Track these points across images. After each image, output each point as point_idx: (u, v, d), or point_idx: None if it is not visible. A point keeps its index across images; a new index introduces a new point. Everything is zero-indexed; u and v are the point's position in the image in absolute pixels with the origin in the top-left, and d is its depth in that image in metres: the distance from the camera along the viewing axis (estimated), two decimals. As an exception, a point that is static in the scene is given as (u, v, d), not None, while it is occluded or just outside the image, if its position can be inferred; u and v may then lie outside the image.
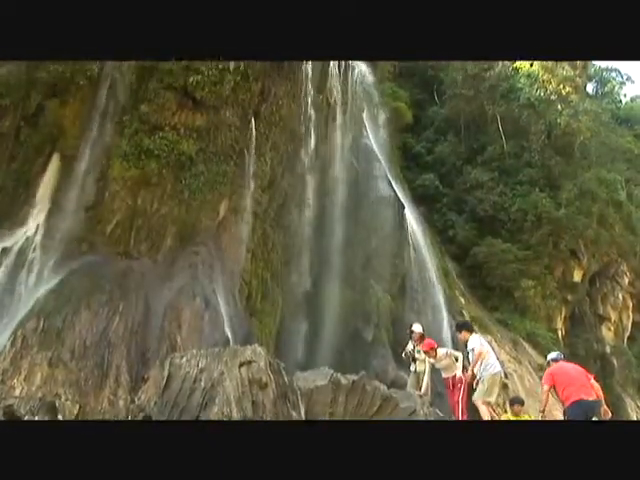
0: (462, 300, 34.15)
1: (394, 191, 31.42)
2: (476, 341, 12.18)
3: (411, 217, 32.07)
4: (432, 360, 13.87)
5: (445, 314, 30.43)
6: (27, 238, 21.11)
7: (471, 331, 12.64)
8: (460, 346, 14.29)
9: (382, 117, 34.78)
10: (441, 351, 14.08)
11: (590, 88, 55.90)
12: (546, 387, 11.17)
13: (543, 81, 42.99)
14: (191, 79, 22.26)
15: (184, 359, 11.97)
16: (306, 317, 26.15)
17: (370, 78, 32.72)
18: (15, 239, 20.97)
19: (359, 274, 28.74)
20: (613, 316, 42.11)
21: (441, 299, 31.19)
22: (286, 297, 25.77)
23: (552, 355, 12.35)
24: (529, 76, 43.40)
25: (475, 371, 11.99)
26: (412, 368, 14.91)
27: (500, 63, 45.24)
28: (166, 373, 11.79)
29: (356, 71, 30.63)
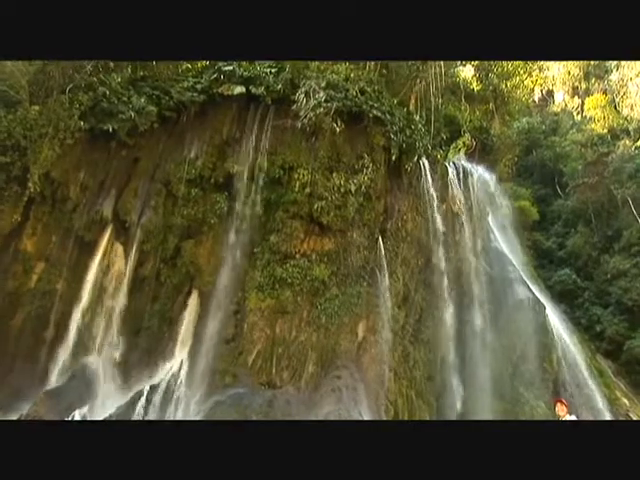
0: (626, 401, 31.24)
1: (532, 292, 30.28)
2: None
3: (554, 317, 30.54)
4: None
5: (609, 418, 27.91)
6: (173, 374, 21.77)
7: None
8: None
9: (507, 218, 34.10)
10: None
11: None
12: None
13: (673, 154, 41.06)
14: (315, 205, 22.87)
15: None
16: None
17: (490, 181, 32.39)
18: (162, 376, 21.82)
19: (507, 383, 27.24)
20: None
21: (600, 401, 28.79)
22: (433, 413, 24.65)
23: None
24: (656, 152, 41.67)
25: None
26: None
27: (620, 145, 43.83)
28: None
29: (475, 176, 30.49)
